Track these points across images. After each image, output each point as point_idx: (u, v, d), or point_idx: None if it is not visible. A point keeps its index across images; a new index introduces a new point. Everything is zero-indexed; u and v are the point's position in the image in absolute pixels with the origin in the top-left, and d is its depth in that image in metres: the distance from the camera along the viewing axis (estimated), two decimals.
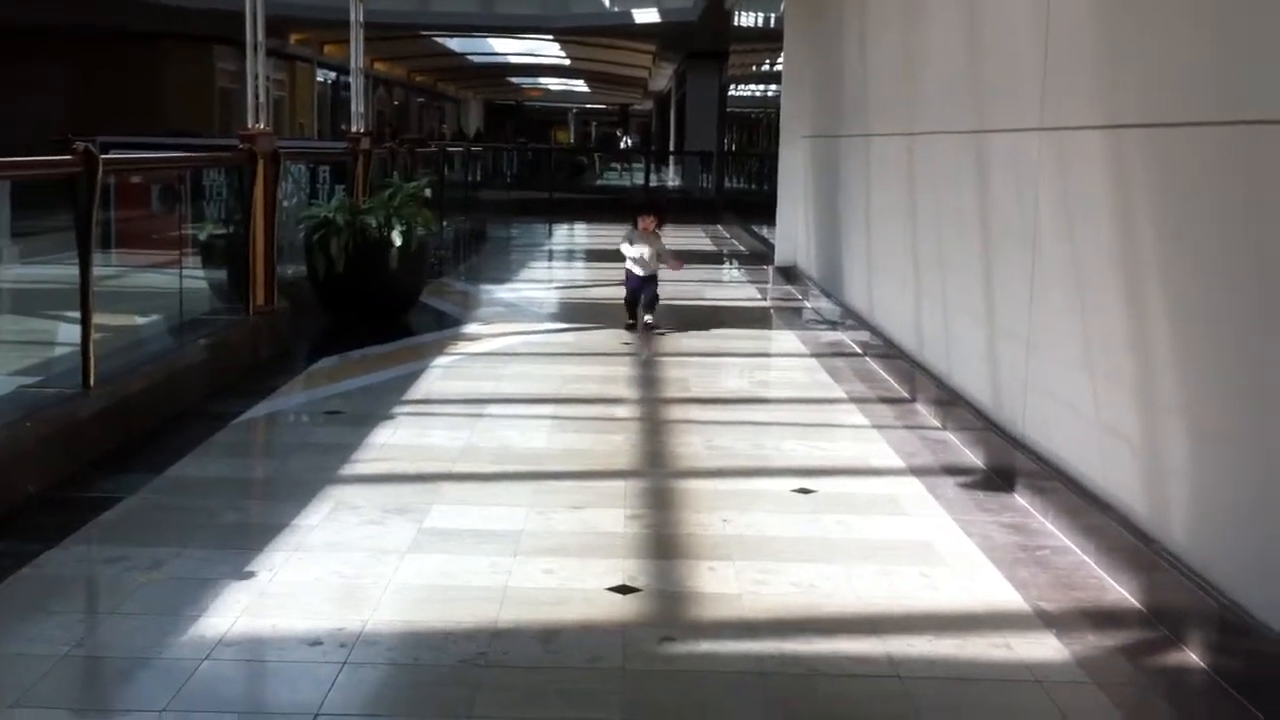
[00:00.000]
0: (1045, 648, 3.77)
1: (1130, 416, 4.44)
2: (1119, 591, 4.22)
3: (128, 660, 3.54)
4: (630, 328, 9.51)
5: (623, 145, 67.64)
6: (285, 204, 9.61)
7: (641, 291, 9.64)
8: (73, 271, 5.87)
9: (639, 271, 9.62)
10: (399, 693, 3.42)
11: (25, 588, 4.06)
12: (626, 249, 9.66)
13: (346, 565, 4.30)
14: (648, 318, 9.59)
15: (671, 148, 44.67)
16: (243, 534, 4.66)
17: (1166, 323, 4.19)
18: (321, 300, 9.69)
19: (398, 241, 9.50)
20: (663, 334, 9.32)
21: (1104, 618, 4.02)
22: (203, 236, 8.97)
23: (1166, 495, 4.16)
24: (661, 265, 9.74)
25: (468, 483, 5.44)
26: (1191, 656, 3.71)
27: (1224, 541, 3.78)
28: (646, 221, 9.76)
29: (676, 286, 12.87)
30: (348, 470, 5.55)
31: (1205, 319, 3.94)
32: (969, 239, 6.44)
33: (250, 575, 4.19)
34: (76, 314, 5.85)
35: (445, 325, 9.92)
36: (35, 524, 4.67)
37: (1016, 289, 5.63)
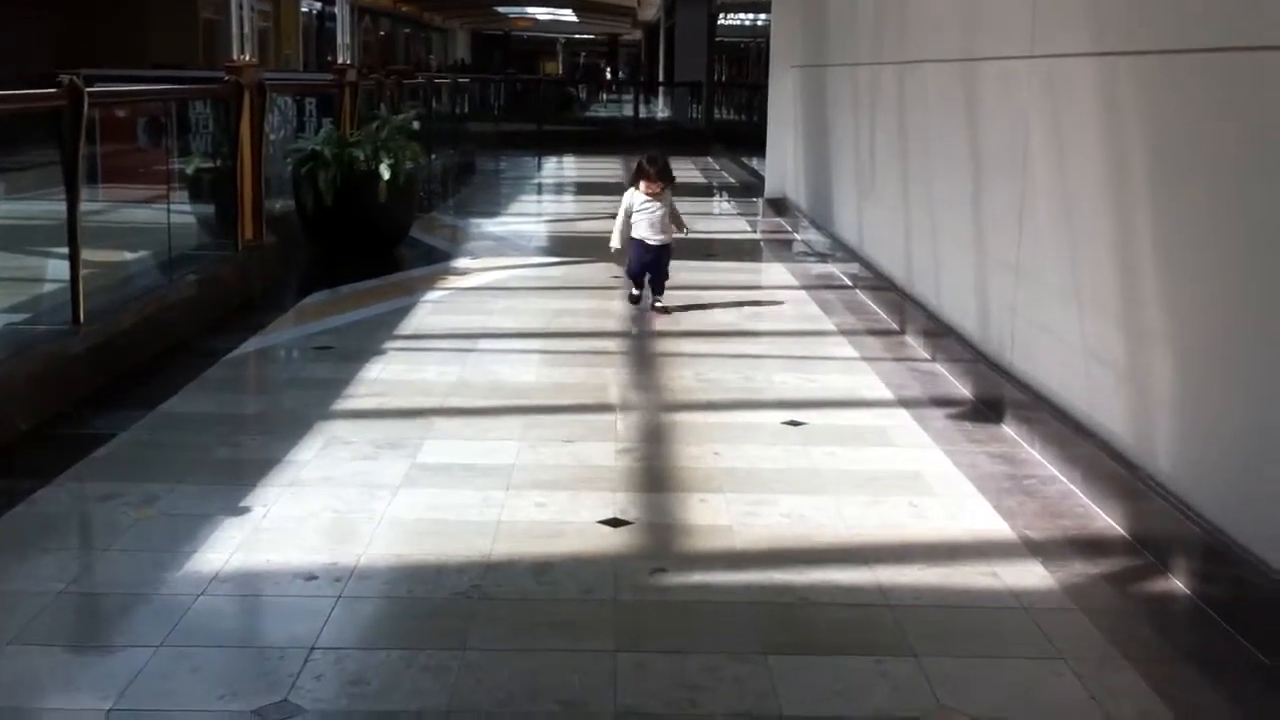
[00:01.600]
0: (1032, 575, 3.82)
1: (1116, 345, 4.46)
2: (1105, 520, 4.26)
3: (123, 596, 3.57)
4: (635, 300, 7.93)
5: (607, 76, 67.13)
6: (272, 137, 9.54)
7: (655, 264, 7.83)
8: (59, 207, 5.85)
9: (653, 239, 7.78)
10: (394, 625, 3.45)
11: (19, 525, 4.08)
12: (635, 216, 7.82)
13: (339, 500, 4.33)
14: (658, 301, 7.81)
15: (661, 78, 44.34)
16: (236, 470, 4.68)
17: (1153, 251, 4.20)
18: (310, 234, 9.66)
19: (386, 175, 9.45)
20: (671, 314, 7.71)
21: (1090, 546, 4.06)
22: (190, 171, 8.91)
23: (1152, 423, 4.20)
24: (676, 232, 7.98)
25: (459, 417, 5.46)
26: (1177, 584, 3.75)
27: (1209, 469, 3.81)
28: (652, 183, 7.78)
29: None
30: (340, 405, 5.56)
31: (1192, 246, 3.95)
32: (959, 169, 6.43)
33: (244, 511, 4.21)
34: (64, 250, 5.84)
35: (435, 260, 9.90)
36: (27, 461, 4.69)
37: (1006, 218, 5.63)
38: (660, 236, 7.77)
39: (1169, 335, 4.10)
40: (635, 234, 7.80)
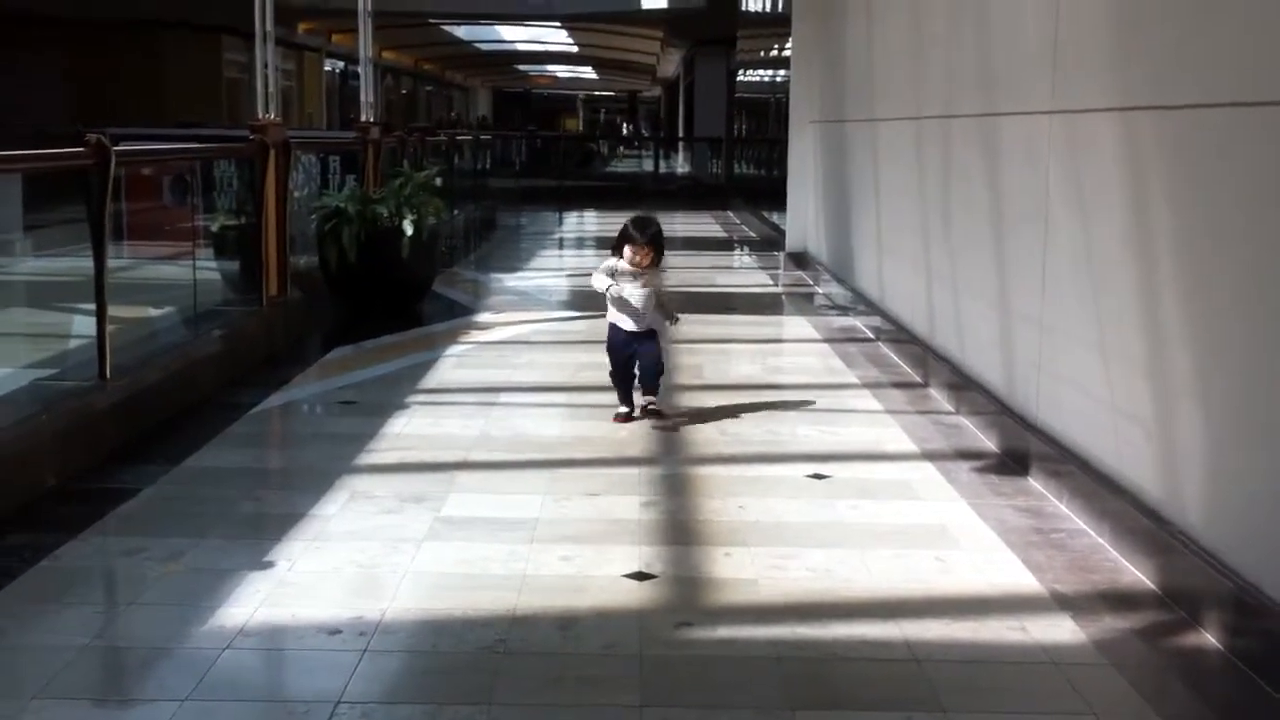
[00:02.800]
0: (1061, 630, 3.78)
1: (1144, 399, 4.44)
2: (1134, 574, 4.23)
3: (148, 651, 3.57)
4: (625, 417, 6.19)
5: (624, 131, 67.64)
6: (296, 194, 9.63)
7: (635, 356, 6.21)
8: (86, 264, 5.90)
9: (628, 325, 6.18)
10: (419, 680, 3.44)
11: (45, 580, 4.09)
12: (610, 289, 6.18)
13: (364, 554, 4.33)
14: (648, 399, 6.25)
15: (680, 134, 44.61)
16: (260, 524, 4.68)
17: (1180, 304, 4.19)
18: (334, 290, 9.71)
19: (409, 231, 9.51)
20: (671, 426, 6.13)
21: (1120, 600, 4.02)
22: (215, 228, 8.99)
23: (1181, 477, 4.17)
24: (663, 317, 6.38)
25: (483, 471, 5.46)
26: (1208, 638, 3.71)
27: (1239, 523, 3.78)
28: (641, 253, 6.13)
29: (688, 274, 12.89)
30: (364, 460, 5.57)
31: (1219, 301, 3.94)
32: (980, 222, 6.44)
33: (269, 565, 4.21)
34: (91, 306, 5.88)
35: (457, 314, 9.94)
36: (54, 516, 4.70)
37: (1028, 272, 5.63)
38: (640, 321, 6.14)
39: (1196, 387, 4.08)
40: (611, 317, 6.24)
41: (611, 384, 6.31)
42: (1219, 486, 3.94)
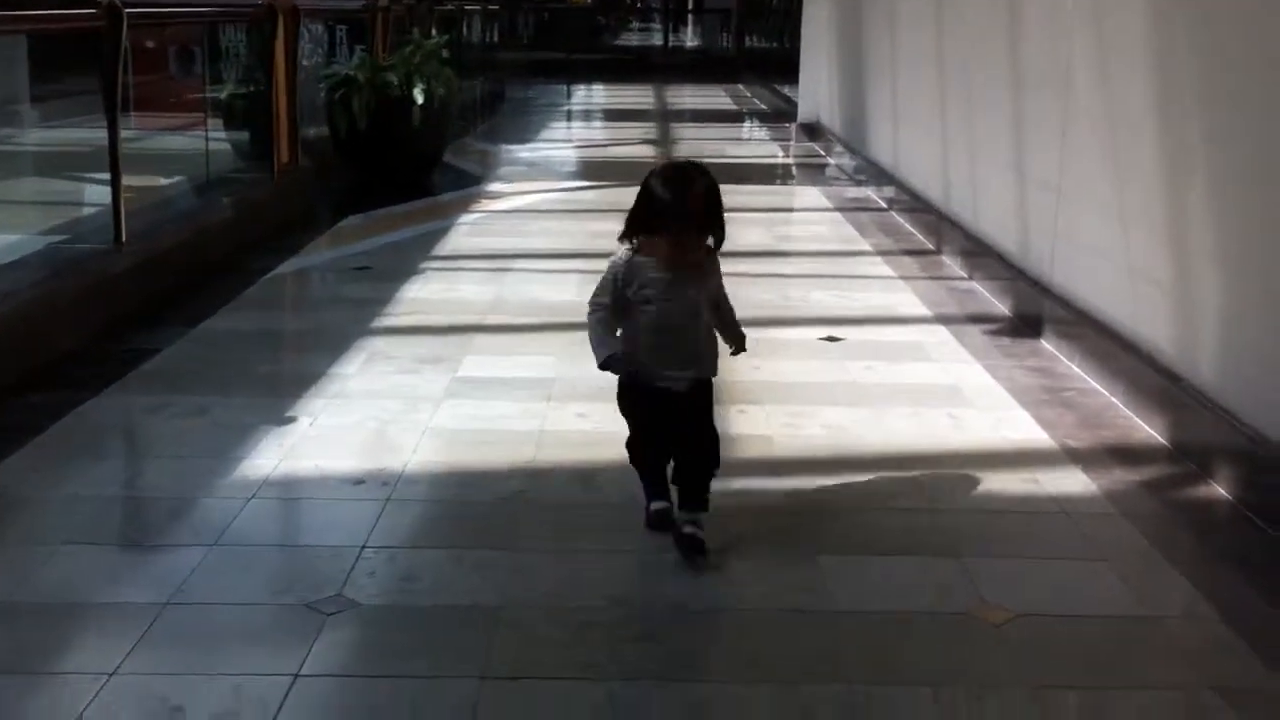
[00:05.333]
0: (1073, 482, 3.83)
1: (1162, 260, 4.44)
2: (1146, 430, 4.27)
3: (175, 500, 3.63)
4: (662, 517, 3.43)
5: (633, 3, 66.56)
6: (304, 64, 9.53)
7: (678, 424, 3.40)
8: (95, 134, 5.88)
9: (665, 376, 3.35)
10: (442, 527, 3.50)
11: (70, 434, 4.15)
12: (637, 312, 3.33)
13: (384, 411, 4.37)
14: (690, 523, 3.32)
15: (690, 5, 43.90)
16: (280, 383, 4.73)
17: (1201, 165, 4.17)
18: (344, 159, 9.66)
19: (419, 99, 9.43)
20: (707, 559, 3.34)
21: (1131, 454, 4.07)
22: (224, 96, 8.92)
23: (1196, 335, 4.19)
24: (727, 343, 3.53)
25: (498, 334, 5.49)
26: (1218, 490, 3.76)
27: (1254, 378, 3.81)
28: (690, 243, 3.27)
29: (699, 145, 12.79)
30: (379, 323, 5.60)
31: (1240, 161, 3.92)
32: (999, 86, 6.37)
33: (290, 421, 4.26)
34: (103, 174, 5.87)
35: (468, 184, 9.90)
36: (74, 376, 4.74)
37: (1048, 136, 5.59)
38: (687, 371, 3.34)
39: (1215, 248, 4.08)
40: (630, 363, 3.34)
41: (632, 462, 3.50)
42: (1234, 344, 3.96)
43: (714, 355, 3.39)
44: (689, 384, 3.31)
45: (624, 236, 3.30)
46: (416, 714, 2.55)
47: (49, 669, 2.71)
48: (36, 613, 2.94)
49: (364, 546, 3.29)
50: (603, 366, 3.31)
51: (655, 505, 3.43)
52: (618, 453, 3.58)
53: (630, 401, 3.44)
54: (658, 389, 3.31)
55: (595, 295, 3.33)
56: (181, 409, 4.36)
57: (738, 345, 3.50)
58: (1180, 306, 4.32)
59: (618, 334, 3.33)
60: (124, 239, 5.84)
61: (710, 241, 3.29)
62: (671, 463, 3.40)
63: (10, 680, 2.64)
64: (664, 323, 3.26)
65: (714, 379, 3.38)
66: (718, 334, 3.43)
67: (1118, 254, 4.81)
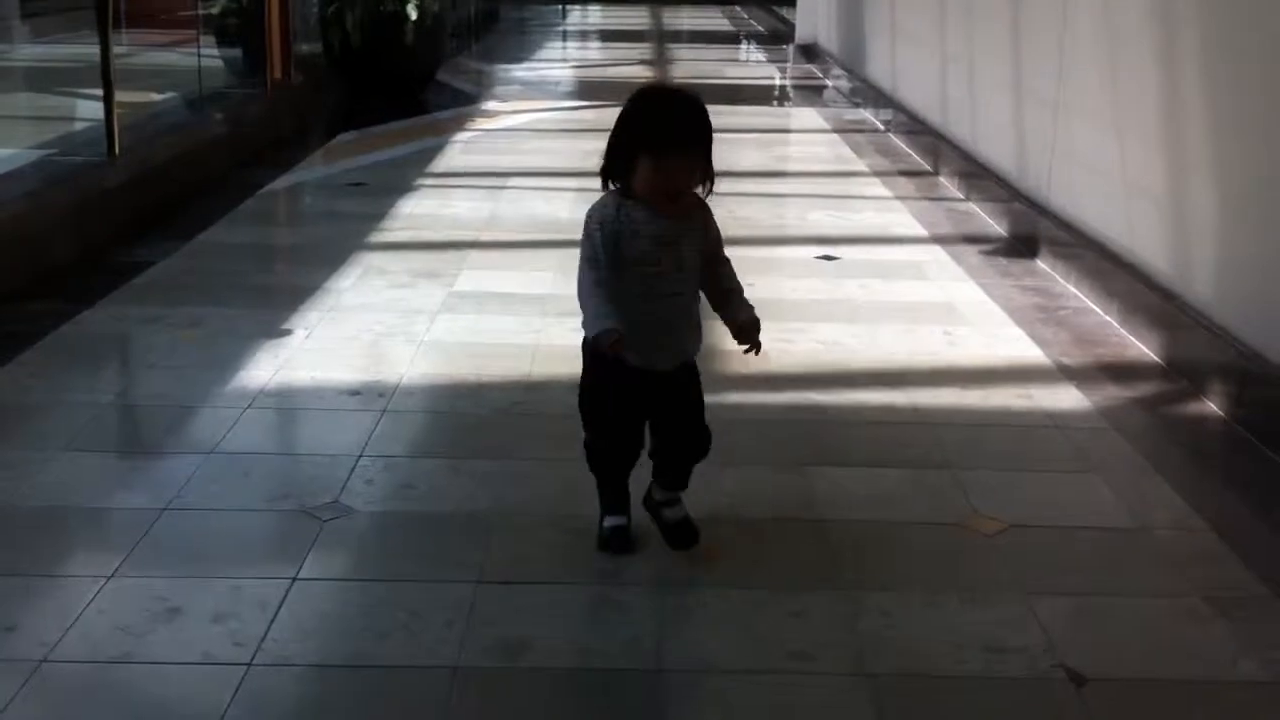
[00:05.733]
0: (1067, 398, 3.85)
1: (1160, 177, 4.43)
2: (1140, 348, 4.28)
3: (172, 408, 3.63)
4: (621, 538, 2.86)
5: None
6: None
7: (663, 418, 2.83)
8: (87, 50, 5.82)
9: (651, 357, 2.73)
10: (439, 437, 3.52)
11: (67, 343, 4.14)
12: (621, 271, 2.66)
13: (380, 324, 4.37)
14: (676, 508, 2.88)
15: None
16: (275, 295, 4.72)
17: (1200, 81, 4.15)
18: (338, 76, 9.59)
19: (413, 15, 9.35)
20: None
21: (1125, 371, 4.08)
22: (216, 12, 8.84)
23: (1192, 252, 4.19)
24: (734, 319, 2.78)
25: (494, 250, 5.48)
26: (1211, 406, 3.78)
27: (1249, 294, 3.81)
28: (681, 177, 2.65)
29: (694, 66, 12.69)
30: (375, 238, 5.58)
31: (1240, 76, 3.89)
32: (998, 5, 6.31)
33: (286, 333, 4.26)
34: (96, 90, 5.83)
35: (463, 103, 9.82)
36: (70, 286, 4.73)
37: (1047, 53, 5.55)
38: (677, 350, 2.80)
39: (1212, 164, 4.06)
40: (596, 338, 2.63)
41: (590, 467, 2.90)
42: (1230, 259, 3.96)
43: (700, 330, 2.79)
44: (676, 366, 2.74)
45: (604, 176, 2.66)
46: (414, 616, 2.57)
47: (47, 572, 2.72)
48: (34, 517, 2.95)
49: (361, 455, 3.31)
50: (595, 342, 2.59)
51: (612, 521, 2.82)
52: None
53: (606, 391, 2.74)
54: (642, 373, 2.69)
55: (586, 252, 2.64)
56: (176, 320, 4.36)
57: (746, 335, 2.71)
58: (1176, 223, 4.31)
59: (594, 298, 2.62)
60: (117, 152, 5.80)
61: (701, 190, 2.70)
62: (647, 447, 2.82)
63: (8, 582, 2.66)
64: (656, 288, 2.65)
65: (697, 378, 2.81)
66: (717, 310, 2.76)
67: (1114, 170, 4.79)
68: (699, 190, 2.70)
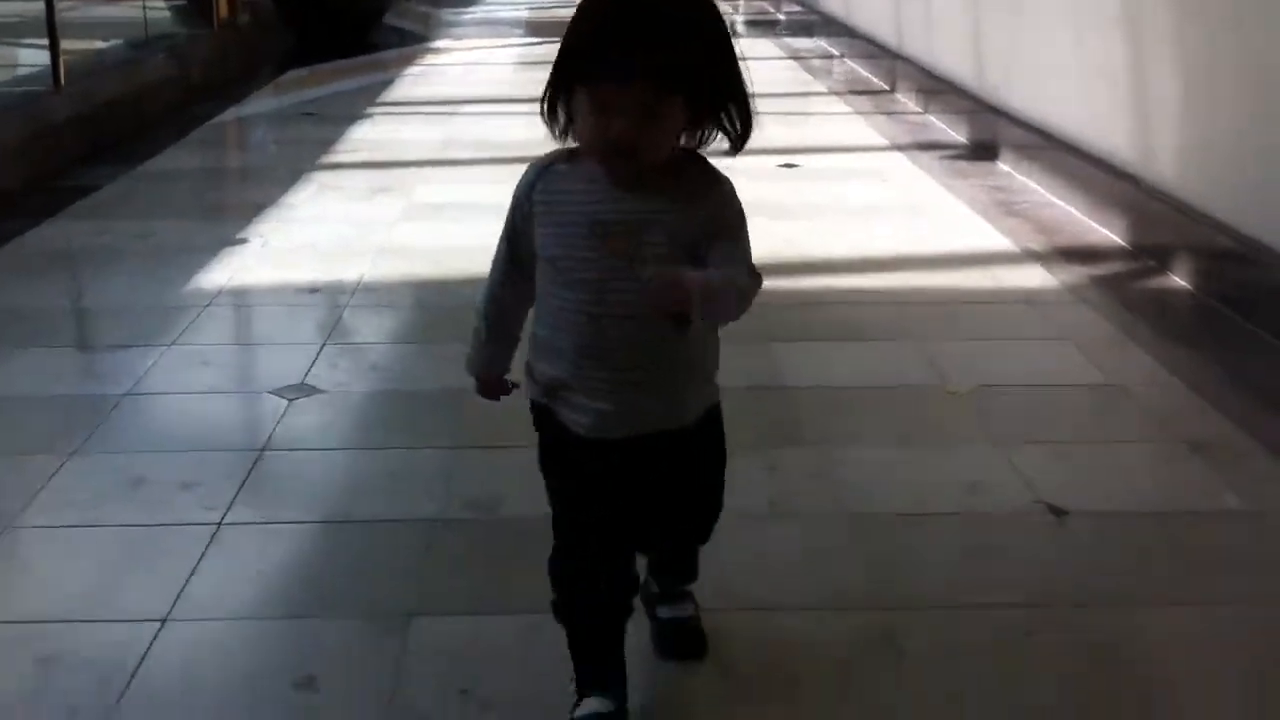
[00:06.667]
0: (1035, 277, 3.84)
1: (1118, 60, 4.41)
2: (1104, 233, 4.27)
3: (131, 310, 3.55)
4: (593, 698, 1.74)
5: None
6: None
7: (648, 508, 1.78)
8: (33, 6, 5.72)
9: (604, 425, 1.68)
10: (405, 325, 3.46)
11: (19, 256, 4.06)
12: (559, 279, 1.66)
13: (337, 233, 4.30)
14: (678, 607, 1.98)
15: None
16: (229, 210, 4.64)
17: None
18: (284, 18, 9.42)
19: None
20: None
21: (1091, 254, 4.07)
22: None
23: (1154, 136, 4.16)
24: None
25: (450, 167, 5.41)
26: (1177, 280, 3.77)
27: (1213, 172, 3.80)
28: (606, 107, 1.55)
29: None
30: (328, 159, 5.49)
31: None
32: None
33: (242, 241, 4.18)
34: (41, 38, 5.71)
35: (412, 42, 9.70)
36: (20, 207, 4.62)
37: None
38: (642, 408, 1.69)
39: (1172, 45, 4.04)
40: (547, 389, 1.72)
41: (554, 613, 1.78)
42: (1195, 140, 3.94)
43: (704, 374, 1.76)
44: (654, 432, 1.69)
45: (544, 115, 1.64)
46: (392, 478, 2.53)
47: (4, 452, 2.65)
48: None
49: (325, 344, 3.25)
50: (481, 389, 1.82)
51: (589, 709, 1.72)
52: None
53: (556, 485, 1.75)
54: (598, 448, 1.67)
55: (501, 244, 1.76)
56: (130, 232, 4.27)
57: (733, 300, 1.64)
58: (1137, 107, 4.29)
59: (520, 328, 1.79)
60: (62, 83, 5.67)
61: (698, 136, 1.65)
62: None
63: None
64: (604, 305, 1.61)
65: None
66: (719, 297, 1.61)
67: (1073, 62, 4.77)
68: (689, 142, 1.64)
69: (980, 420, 2.81)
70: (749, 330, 3.29)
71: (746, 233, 1.70)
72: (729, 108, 1.66)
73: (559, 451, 1.72)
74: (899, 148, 5.74)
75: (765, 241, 4.18)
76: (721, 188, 1.67)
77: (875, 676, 1.88)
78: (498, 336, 1.78)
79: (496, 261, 1.77)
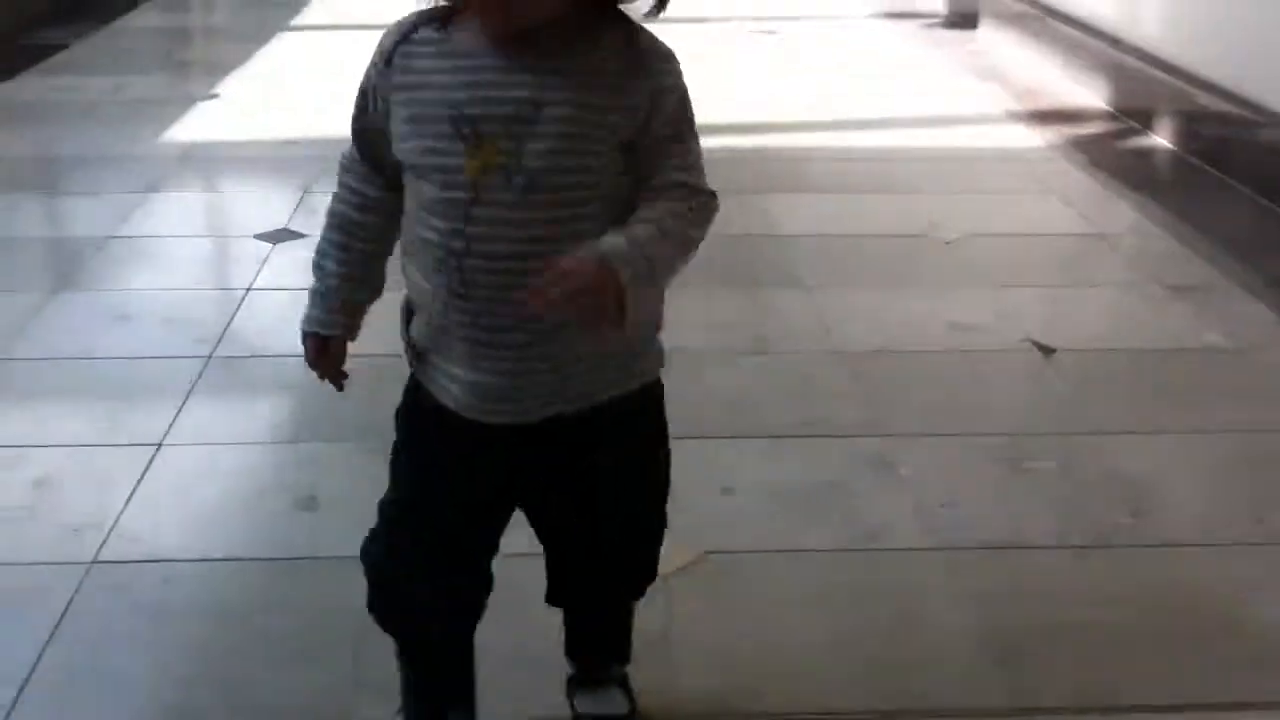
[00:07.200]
0: (1017, 136, 3.84)
1: None
2: (1087, 94, 4.26)
3: (105, 158, 3.50)
4: None
5: None
6: None
7: (546, 521, 1.33)
8: None
9: (484, 403, 1.21)
10: None
11: None
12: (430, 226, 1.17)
13: (319, 89, 4.21)
14: (592, 693, 1.45)
15: None
16: (199, 67, 4.58)
17: None
18: None
19: None
20: None
21: (1074, 115, 4.07)
22: None
23: None
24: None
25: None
26: (1159, 140, 3.77)
27: (1198, 31, 3.78)
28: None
29: None
30: (300, 21, 5.40)
31: None
32: None
33: (212, 96, 4.12)
34: None
35: None
36: None
37: None
38: (537, 384, 1.21)
39: None
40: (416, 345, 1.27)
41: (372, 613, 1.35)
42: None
43: (649, 327, 1.27)
44: (555, 414, 1.23)
45: None
46: (385, 315, 2.51)
47: None
48: None
49: (307, 191, 3.20)
50: (310, 356, 1.33)
51: None
52: None
53: (419, 429, 1.31)
54: (477, 431, 1.23)
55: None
56: (100, 86, 4.20)
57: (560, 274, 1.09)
58: None
59: (381, 268, 1.31)
60: None
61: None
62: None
63: None
64: (462, 240, 1.16)
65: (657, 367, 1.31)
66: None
67: None
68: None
69: (967, 265, 2.82)
70: (740, 185, 3.31)
71: (695, 133, 1.19)
72: None
73: (427, 416, 1.25)
74: (879, 15, 5.69)
75: (751, 101, 4.17)
76: (661, 63, 1.16)
77: (870, 493, 1.91)
78: (343, 276, 1.27)
79: (345, 165, 1.27)
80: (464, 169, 1.13)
